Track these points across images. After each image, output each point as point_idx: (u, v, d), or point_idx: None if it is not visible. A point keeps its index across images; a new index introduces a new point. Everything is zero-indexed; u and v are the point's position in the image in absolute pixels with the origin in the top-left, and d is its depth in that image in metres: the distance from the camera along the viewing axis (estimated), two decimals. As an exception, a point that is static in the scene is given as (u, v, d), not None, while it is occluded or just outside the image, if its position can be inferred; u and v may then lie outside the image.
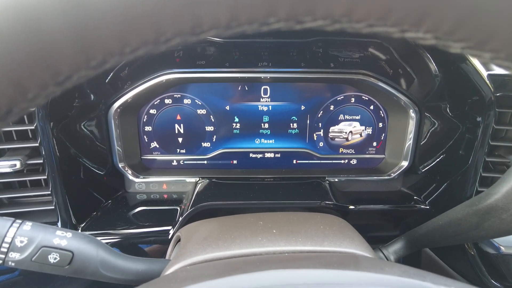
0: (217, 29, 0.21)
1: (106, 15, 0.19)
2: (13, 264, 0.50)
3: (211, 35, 0.21)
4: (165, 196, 1.00)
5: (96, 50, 0.20)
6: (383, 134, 1.01)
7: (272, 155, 1.01)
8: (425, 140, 0.95)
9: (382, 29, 0.21)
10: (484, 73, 0.77)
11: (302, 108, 0.97)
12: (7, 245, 0.49)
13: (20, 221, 0.52)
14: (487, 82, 0.77)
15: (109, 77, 0.86)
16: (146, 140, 0.98)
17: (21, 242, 0.50)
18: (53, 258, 0.51)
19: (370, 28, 0.21)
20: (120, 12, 0.19)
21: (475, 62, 0.78)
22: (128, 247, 0.87)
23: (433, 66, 0.87)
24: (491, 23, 0.19)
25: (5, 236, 0.49)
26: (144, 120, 0.96)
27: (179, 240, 0.64)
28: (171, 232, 0.83)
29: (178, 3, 0.19)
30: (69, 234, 0.54)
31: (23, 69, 0.20)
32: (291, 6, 0.19)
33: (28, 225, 0.52)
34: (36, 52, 0.19)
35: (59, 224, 0.82)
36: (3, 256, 0.49)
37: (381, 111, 0.98)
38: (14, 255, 0.49)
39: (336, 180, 1.01)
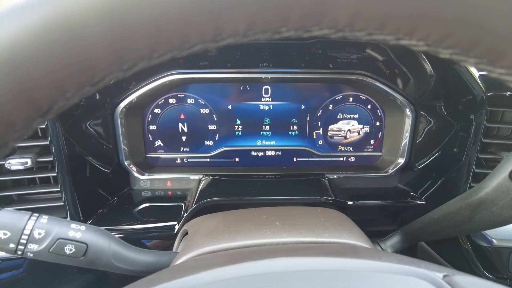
0: (235, 37, 0.24)
1: (138, 25, 0.22)
2: (31, 255, 0.52)
3: (229, 42, 0.24)
4: (170, 193, 1.02)
5: (128, 55, 0.23)
6: (380, 132, 1.04)
7: (273, 153, 1.04)
8: (420, 138, 0.98)
9: (379, 37, 0.24)
10: (476, 73, 0.80)
11: (302, 107, 1.00)
12: (26, 237, 0.51)
13: (37, 214, 0.54)
14: (479, 82, 0.80)
15: (115, 78, 0.88)
16: (151, 139, 1.01)
17: (39, 234, 0.52)
18: (69, 249, 0.53)
19: (369, 36, 0.24)
20: (151, 22, 0.22)
21: (468, 63, 0.80)
22: (132, 243, 0.89)
23: (428, 67, 0.90)
24: (475, 34, 0.22)
25: (24, 228, 0.52)
26: (149, 119, 0.99)
27: (186, 234, 0.67)
28: (177, 227, 0.86)
29: (203, 15, 0.22)
30: (82, 227, 0.57)
31: (65, 71, 0.23)
32: (301, 18, 0.22)
33: (45, 219, 0.54)
34: (76, 57, 0.22)
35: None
36: (22, 247, 0.52)
37: (378, 110, 1.01)
38: (33, 247, 0.52)
39: (335, 177, 1.04)
